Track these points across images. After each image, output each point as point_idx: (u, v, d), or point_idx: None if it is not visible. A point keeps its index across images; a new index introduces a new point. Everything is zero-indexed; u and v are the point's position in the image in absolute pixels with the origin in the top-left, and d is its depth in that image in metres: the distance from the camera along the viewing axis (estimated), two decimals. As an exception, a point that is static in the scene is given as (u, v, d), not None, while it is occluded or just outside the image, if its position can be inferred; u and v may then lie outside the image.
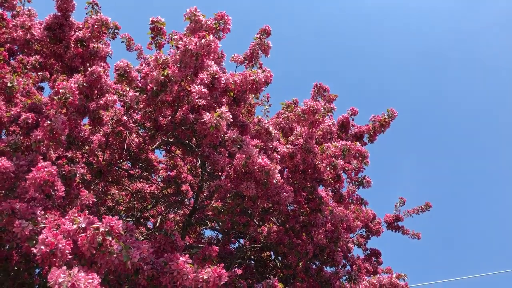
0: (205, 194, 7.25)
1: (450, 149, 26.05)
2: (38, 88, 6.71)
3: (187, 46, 4.02)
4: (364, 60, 24.84)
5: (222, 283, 3.46)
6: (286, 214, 6.12)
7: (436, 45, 24.08)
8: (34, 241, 3.16)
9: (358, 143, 5.86)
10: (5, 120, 4.97)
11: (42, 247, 3.00)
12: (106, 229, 3.13)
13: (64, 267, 2.82)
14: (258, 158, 4.57)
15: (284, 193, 5.12)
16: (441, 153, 26.13)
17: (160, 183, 7.61)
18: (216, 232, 8.49)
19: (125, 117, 5.54)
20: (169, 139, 5.82)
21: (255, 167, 4.56)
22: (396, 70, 25.17)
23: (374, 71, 25.39)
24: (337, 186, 6.27)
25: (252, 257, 8.10)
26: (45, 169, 3.59)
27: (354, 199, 7.10)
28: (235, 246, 8.16)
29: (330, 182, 6.08)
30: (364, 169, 6.83)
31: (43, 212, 3.57)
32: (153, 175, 7.39)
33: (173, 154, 7.40)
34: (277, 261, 7.60)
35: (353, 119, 6.87)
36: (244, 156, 4.59)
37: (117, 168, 6.36)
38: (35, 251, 3.01)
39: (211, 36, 4.15)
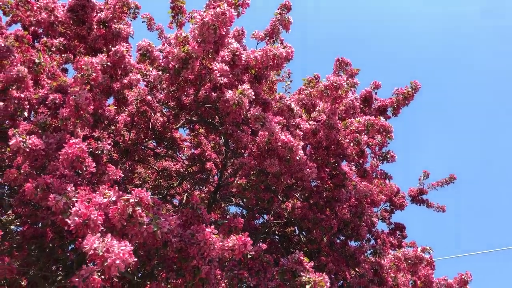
0: (229, 171, 7.34)
1: (474, 120, 25.50)
2: (62, 70, 6.86)
3: (204, 18, 4.04)
4: (387, 31, 24.33)
5: (247, 251, 3.55)
6: (309, 190, 6.16)
7: (464, 12, 23.35)
8: (68, 213, 3.29)
9: (381, 117, 5.83)
10: (33, 101, 5.13)
11: (76, 218, 3.13)
12: (136, 200, 3.24)
13: (98, 234, 2.94)
14: (281, 135, 4.60)
15: (308, 169, 5.16)
16: (465, 125, 25.62)
17: (185, 161, 7.74)
18: (241, 209, 8.61)
19: (149, 97, 5.64)
20: (193, 118, 5.90)
21: (278, 144, 4.60)
22: (420, 41, 24.59)
23: (398, 43, 24.86)
24: (360, 161, 6.26)
25: (277, 232, 8.20)
26: (77, 146, 3.71)
27: (378, 174, 7.09)
28: (259, 222, 8.26)
29: (353, 157, 6.08)
30: (388, 143, 6.79)
31: (74, 188, 3.70)
32: (178, 153, 7.51)
33: (196, 132, 7.49)
34: (301, 236, 7.68)
35: (376, 93, 6.82)
36: (267, 133, 4.63)
37: (143, 147, 6.49)
38: (69, 222, 3.15)
39: (225, 5, 4.15)
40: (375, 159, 6.80)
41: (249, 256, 4.70)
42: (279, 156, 4.77)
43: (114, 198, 3.43)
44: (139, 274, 5.64)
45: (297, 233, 8.03)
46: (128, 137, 5.83)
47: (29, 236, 4.99)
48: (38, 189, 3.63)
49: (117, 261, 2.83)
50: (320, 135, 5.56)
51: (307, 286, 4.13)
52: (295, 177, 5.40)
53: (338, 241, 6.67)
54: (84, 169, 3.80)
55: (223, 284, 4.49)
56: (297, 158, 4.69)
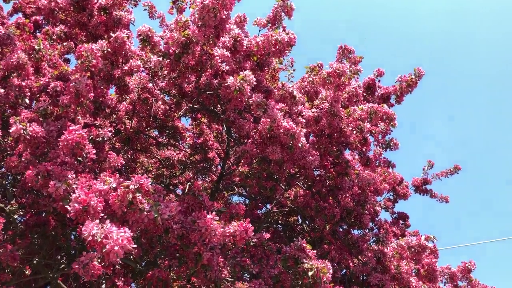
0: (231, 160, 7.32)
1: (479, 109, 25.29)
2: (64, 60, 6.83)
3: (204, 1, 3.99)
4: (390, 18, 24.08)
5: (249, 236, 3.53)
6: (312, 178, 6.13)
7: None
8: (68, 200, 3.28)
9: (385, 105, 5.77)
10: (35, 89, 5.11)
11: (76, 204, 3.12)
12: (136, 187, 3.22)
13: (97, 221, 2.93)
14: (283, 122, 4.57)
15: (310, 157, 5.13)
16: (471, 114, 25.42)
17: (187, 150, 7.72)
18: (244, 198, 8.61)
19: (150, 84, 5.60)
20: (194, 106, 5.86)
21: (280, 131, 4.56)
22: (424, 28, 24.34)
23: (402, 30, 24.62)
24: (363, 149, 6.23)
25: (280, 221, 8.20)
26: (77, 132, 3.69)
27: (381, 162, 7.04)
28: (262, 211, 8.26)
29: (356, 145, 6.04)
30: (392, 131, 6.73)
31: (74, 176, 3.69)
32: (180, 142, 7.49)
33: (199, 121, 7.47)
34: (304, 225, 7.68)
35: (379, 80, 6.74)
36: (269, 120, 4.60)
37: (145, 136, 6.48)
38: (69, 208, 3.14)
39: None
40: (378, 147, 6.76)
41: (251, 244, 4.70)
42: (281, 143, 4.74)
43: (114, 185, 3.42)
44: (142, 262, 5.66)
45: (300, 222, 8.03)
46: (130, 125, 5.81)
47: (31, 224, 5.00)
48: (39, 176, 3.63)
49: (116, 247, 2.82)
50: (322, 122, 5.52)
51: (309, 273, 4.11)
52: (297, 165, 5.37)
53: (341, 229, 6.66)
54: (85, 156, 3.78)
55: (225, 272, 4.47)
56: (299, 145, 4.66)
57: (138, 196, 3.24)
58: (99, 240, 2.83)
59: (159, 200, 3.57)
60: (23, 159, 4.21)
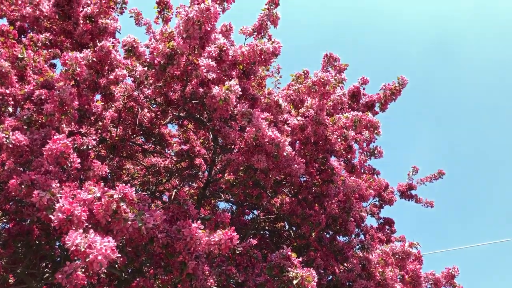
0: (218, 167, 7.33)
1: (462, 116, 25.69)
2: (50, 65, 6.79)
3: (188, 14, 4.02)
4: (375, 27, 24.37)
5: (234, 245, 3.55)
6: (298, 185, 6.18)
7: (454, 7, 23.43)
8: (52, 210, 3.27)
9: (369, 113, 5.83)
10: (19, 97, 5.08)
11: (59, 214, 3.11)
12: (120, 196, 3.23)
13: (81, 231, 2.92)
14: (267, 131, 4.60)
15: (295, 165, 5.17)
16: (453, 120, 25.81)
17: (173, 157, 7.71)
18: (231, 204, 8.62)
19: (136, 93, 5.60)
20: (181, 114, 5.87)
21: (265, 140, 4.60)
22: (407, 36, 24.68)
23: (385, 38, 24.93)
24: (348, 156, 6.29)
25: (266, 228, 8.23)
26: (61, 141, 3.68)
27: (366, 169, 7.12)
28: (249, 218, 8.28)
29: (341, 153, 6.10)
30: (376, 139, 6.82)
31: (58, 185, 3.67)
32: (166, 149, 7.49)
33: (185, 128, 7.47)
34: (291, 231, 7.71)
35: (364, 88, 6.83)
36: (254, 129, 4.62)
37: (130, 143, 6.47)
38: (53, 218, 3.13)
39: (209, 0, 4.13)
40: (363, 155, 6.83)
41: (237, 252, 4.72)
42: (267, 152, 4.77)
43: (99, 194, 3.42)
44: (129, 271, 5.64)
45: (286, 228, 8.06)
46: (116, 133, 5.80)
47: (15, 233, 4.96)
48: (23, 186, 3.61)
49: (99, 257, 2.82)
50: (308, 130, 5.57)
51: (294, 282, 4.14)
52: (283, 173, 5.40)
53: (327, 236, 6.70)
54: (69, 165, 3.77)
55: (211, 280, 4.50)
56: (285, 154, 4.70)
57: (122, 205, 3.25)
58: (83, 249, 2.83)
59: (143, 209, 3.58)
60: (6, 168, 4.18)
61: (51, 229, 4.76)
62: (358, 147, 6.96)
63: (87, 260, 2.81)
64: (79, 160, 3.86)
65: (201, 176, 8.13)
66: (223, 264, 4.71)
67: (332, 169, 5.99)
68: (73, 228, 3.11)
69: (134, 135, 6.17)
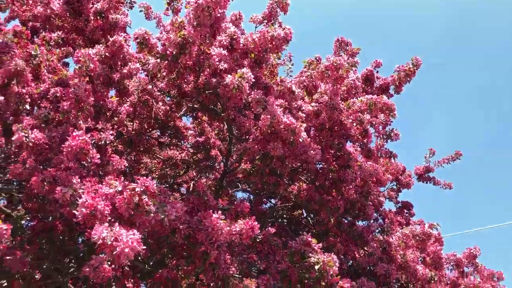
0: (234, 157, 7.35)
1: (478, 94, 25.30)
2: (63, 64, 6.86)
3: (198, 1, 3.99)
4: (387, 7, 24.02)
5: (255, 234, 3.57)
6: (315, 172, 6.16)
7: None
8: (75, 205, 3.32)
9: (384, 96, 5.78)
10: (35, 96, 5.14)
11: (83, 209, 3.16)
12: (142, 189, 3.25)
13: (106, 224, 2.96)
14: (283, 118, 4.59)
15: (312, 152, 5.16)
16: (469, 100, 25.44)
17: (190, 149, 7.75)
18: (248, 194, 8.65)
19: (149, 86, 5.63)
20: (194, 106, 5.88)
21: (281, 127, 4.59)
22: (422, 17, 24.29)
23: (399, 19, 24.56)
24: (364, 141, 6.25)
25: (284, 216, 8.24)
26: (80, 138, 3.73)
27: (383, 153, 7.06)
28: (267, 207, 8.30)
29: (357, 137, 6.06)
30: (392, 122, 6.76)
31: (79, 180, 3.72)
32: (182, 142, 7.52)
33: (200, 120, 7.50)
34: (309, 218, 7.72)
35: (377, 71, 6.75)
36: (269, 116, 4.62)
37: (147, 137, 6.51)
38: (76, 213, 3.18)
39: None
40: (379, 138, 6.78)
41: (257, 240, 4.75)
42: (282, 139, 4.77)
43: (120, 188, 3.46)
44: (151, 263, 5.71)
45: (304, 216, 8.07)
46: (132, 128, 5.84)
47: (39, 230, 5.05)
48: (45, 183, 3.67)
49: (126, 250, 2.86)
50: (322, 116, 5.54)
51: (316, 267, 4.16)
52: (299, 160, 5.39)
53: (345, 221, 6.69)
54: (89, 160, 3.82)
55: (233, 269, 4.51)
56: (300, 140, 4.69)
57: (144, 198, 3.28)
58: (109, 243, 2.87)
59: (164, 201, 3.61)
60: (27, 166, 4.24)
61: (74, 224, 4.85)
62: (374, 131, 6.90)
63: (114, 253, 2.85)
64: (98, 156, 3.90)
65: (217, 167, 8.17)
66: (244, 252, 4.74)
67: (348, 154, 5.96)
68: (97, 222, 3.15)
69: (150, 129, 6.21)
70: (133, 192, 3.29)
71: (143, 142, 6.45)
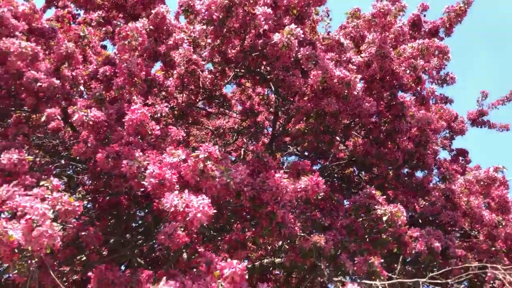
0: (281, 121, 7.29)
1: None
2: (101, 47, 6.93)
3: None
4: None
5: (320, 190, 3.54)
6: (368, 126, 6.00)
7: None
8: (142, 177, 3.38)
9: (435, 39, 5.51)
10: (85, 78, 5.24)
11: (151, 179, 3.21)
12: (205, 155, 3.27)
13: (176, 192, 3.00)
14: (335, 71, 4.47)
15: (366, 104, 5.02)
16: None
17: (237, 116, 7.75)
18: (297, 157, 8.61)
19: (194, 56, 5.60)
20: (239, 72, 5.81)
21: (334, 81, 4.47)
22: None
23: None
24: (418, 88, 6.01)
25: (336, 175, 8.17)
26: (139, 111, 3.77)
27: (438, 99, 6.75)
28: (318, 168, 8.25)
29: (410, 85, 5.83)
30: (446, 65, 6.45)
31: (141, 154, 3.78)
32: (229, 110, 7.51)
33: (243, 87, 7.44)
34: (361, 175, 7.63)
35: (424, 15, 6.43)
36: (320, 72, 4.51)
37: (196, 109, 6.54)
38: (145, 184, 3.24)
39: None
40: (433, 84, 6.51)
41: (319, 197, 4.72)
42: (336, 93, 4.66)
43: (183, 157, 3.50)
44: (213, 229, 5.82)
45: (356, 173, 7.98)
46: (181, 99, 5.87)
47: (105, 206, 5.22)
48: (109, 158, 3.75)
49: (199, 215, 2.90)
50: (373, 67, 5.35)
51: (384, 218, 4.11)
52: (353, 115, 5.26)
53: (403, 173, 6.55)
54: (149, 133, 3.87)
55: (296, 228, 4.52)
56: (355, 93, 4.57)
57: (209, 164, 3.29)
58: (181, 210, 2.91)
59: (227, 166, 3.62)
60: (89, 145, 4.35)
61: (139, 198, 4.99)
62: (428, 77, 6.62)
63: (187, 219, 2.89)
64: (158, 128, 3.94)
65: (265, 133, 8.15)
66: (307, 210, 4.73)
67: (402, 103, 5.76)
68: (166, 190, 3.20)
69: (198, 100, 6.22)
70: (197, 159, 3.32)
71: (192, 114, 6.49)
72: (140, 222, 5.81)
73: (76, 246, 4.29)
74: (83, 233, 4.21)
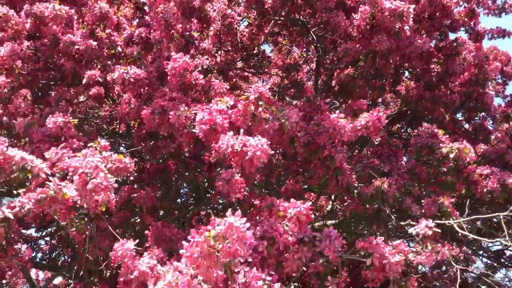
0: (322, 77, 6.95)
1: None
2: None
3: None
4: None
5: (382, 125, 3.27)
6: (419, 68, 5.56)
7: None
8: (192, 126, 3.23)
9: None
10: (121, 43, 5.09)
11: (202, 126, 3.05)
12: (256, 96, 3.05)
13: (231, 133, 2.80)
14: (385, 3, 4.13)
15: (419, 41, 4.66)
16: None
17: (277, 75, 7.44)
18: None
19: (229, 11, 5.37)
20: (280, 19, 5.47)
21: (385, 14, 4.14)
22: None
23: None
24: (471, 23, 5.55)
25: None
26: (181, 59, 3.59)
27: (495, 33, 6.17)
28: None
29: (463, 20, 5.38)
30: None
31: (186, 108, 3.61)
32: (268, 68, 7.22)
33: (281, 45, 7.13)
34: (409, 131, 7.23)
35: None
36: (368, 7, 4.19)
37: (235, 69, 6.31)
38: (196, 131, 3.07)
39: None
40: (489, 15, 5.98)
41: (375, 143, 4.45)
42: (387, 30, 4.31)
43: (232, 102, 3.30)
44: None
45: (403, 130, 7.58)
46: (220, 58, 5.66)
47: (153, 172, 5.12)
48: (155, 114, 3.60)
49: (258, 152, 2.68)
50: (422, 2, 4.95)
51: (450, 156, 3.80)
52: (403, 56, 4.89)
53: (460, 117, 6.14)
54: (193, 82, 3.69)
55: (354, 177, 4.26)
56: (408, 27, 4.22)
57: (261, 104, 3.08)
58: (239, 149, 2.71)
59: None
60: (132, 106, 4.23)
61: (188, 158, 4.84)
62: (483, 9, 6.06)
63: (246, 158, 2.69)
64: (202, 76, 3.76)
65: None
66: (363, 158, 4.45)
67: (455, 40, 5.33)
68: (218, 135, 3.01)
69: (237, 59, 5.98)
70: (247, 101, 3.11)
71: (230, 76, 6.26)
72: (189, 187, 5.70)
73: (129, 209, 4.22)
74: (135, 195, 4.13)
